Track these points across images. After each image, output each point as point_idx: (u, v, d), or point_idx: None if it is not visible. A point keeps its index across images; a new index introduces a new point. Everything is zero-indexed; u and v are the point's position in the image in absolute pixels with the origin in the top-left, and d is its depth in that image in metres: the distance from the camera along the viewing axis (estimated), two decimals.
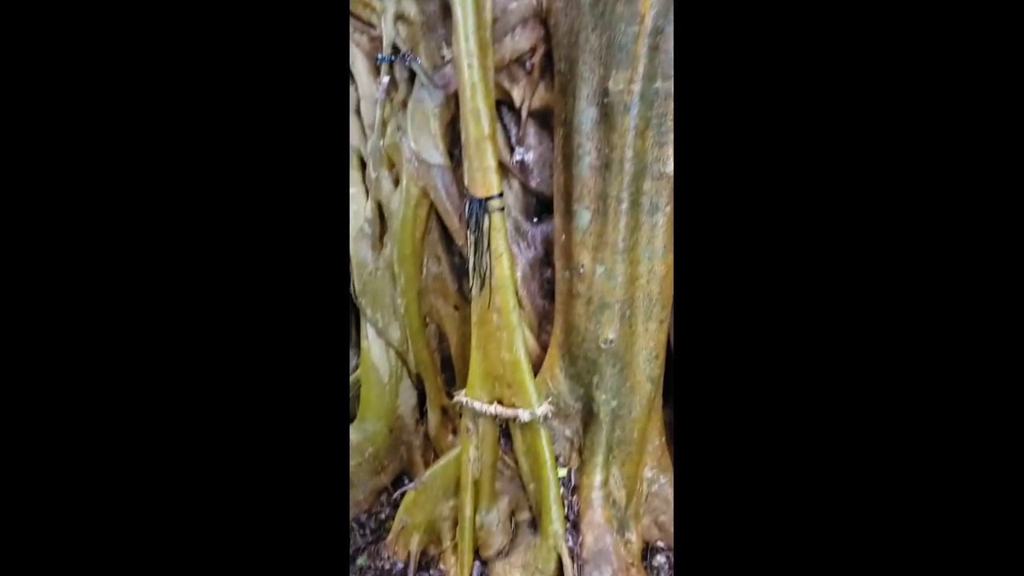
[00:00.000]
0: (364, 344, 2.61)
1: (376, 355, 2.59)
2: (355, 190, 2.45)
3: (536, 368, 2.16)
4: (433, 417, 2.73)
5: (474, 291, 2.04)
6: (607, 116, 1.81)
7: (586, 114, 1.84)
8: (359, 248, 2.47)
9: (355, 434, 2.66)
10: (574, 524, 2.01)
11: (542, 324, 2.35)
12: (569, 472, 2.15)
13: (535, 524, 2.14)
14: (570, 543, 1.95)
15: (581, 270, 1.96)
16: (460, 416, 2.40)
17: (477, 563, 2.17)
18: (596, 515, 1.98)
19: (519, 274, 2.27)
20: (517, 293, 2.04)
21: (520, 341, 1.99)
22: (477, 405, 2.09)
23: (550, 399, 2.07)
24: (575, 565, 1.90)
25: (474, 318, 2.08)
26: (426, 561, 2.34)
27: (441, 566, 2.30)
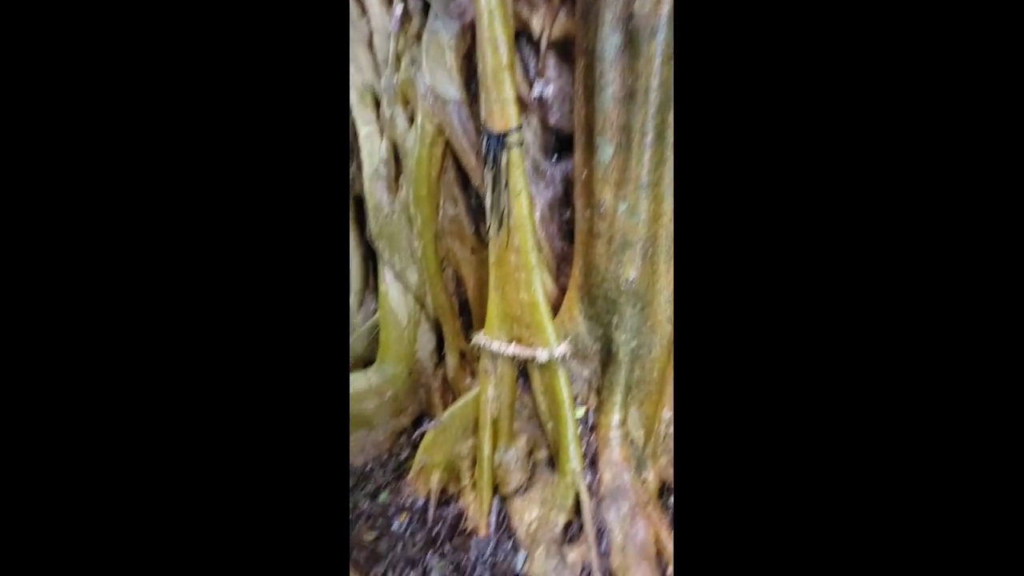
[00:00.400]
0: (382, 287, 2.60)
1: (394, 299, 2.59)
2: (369, 129, 2.39)
3: (554, 310, 2.14)
4: (451, 360, 2.75)
5: (491, 231, 2.00)
6: (632, 42, 1.71)
7: (609, 41, 1.74)
8: (374, 190, 2.43)
9: (375, 376, 2.70)
10: (592, 462, 2.03)
11: (560, 266, 2.31)
12: (587, 412, 2.15)
13: (553, 462, 2.17)
14: (588, 480, 1.97)
15: (602, 208, 1.91)
16: (478, 358, 2.41)
17: (496, 500, 2.22)
18: (614, 453, 1.99)
19: (537, 215, 2.22)
20: (535, 233, 2.00)
21: (538, 281, 1.97)
22: (495, 346, 2.09)
23: (568, 339, 2.05)
24: (593, 501, 1.93)
25: (492, 259, 2.05)
26: (446, 498, 2.39)
27: (460, 502, 2.36)
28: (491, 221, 1.97)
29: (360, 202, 2.68)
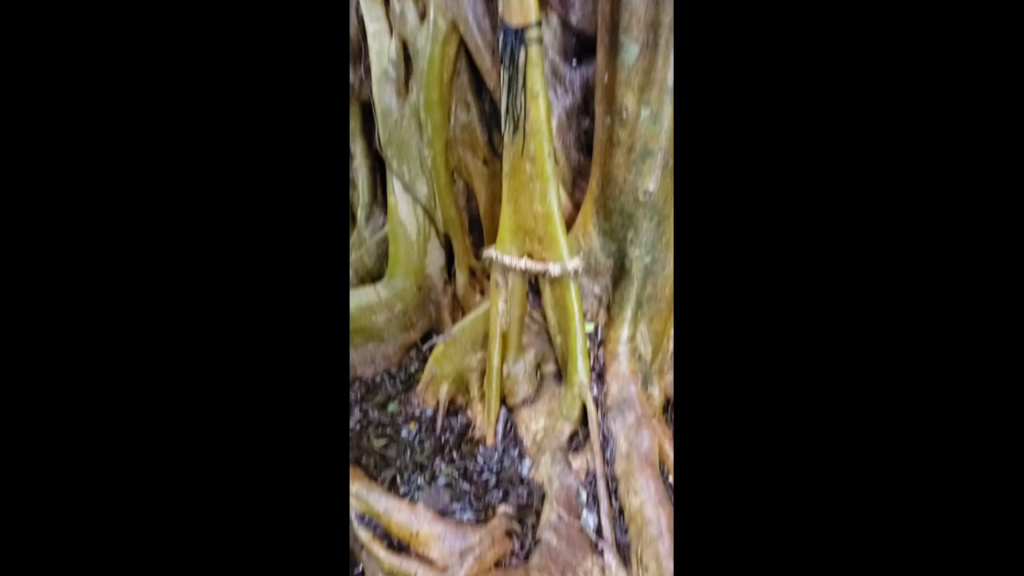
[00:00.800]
0: (391, 200, 2.54)
1: (403, 212, 2.53)
2: (377, 27, 2.25)
3: (568, 226, 2.09)
4: (461, 277, 2.73)
5: (506, 136, 1.91)
6: None
7: None
8: (383, 94, 2.32)
9: (384, 291, 2.69)
10: (599, 375, 2.04)
11: (576, 180, 2.24)
12: (596, 328, 2.14)
13: (560, 375, 2.19)
14: (595, 392, 1.99)
15: (624, 114, 1.81)
16: (488, 275, 2.38)
17: (503, 410, 2.26)
18: (622, 367, 2.00)
19: (554, 123, 2.12)
20: (552, 140, 1.91)
21: (553, 192, 1.90)
22: (507, 259, 2.05)
23: (581, 255, 2.01)
24: (599, 412, 1.95)
25: (505, 168, 1.97)
26: (454, 409, 2.44)
27: (468, 413, 2.41)
28: (506, 126, 1.88)
29: (368, 109, 2.57)
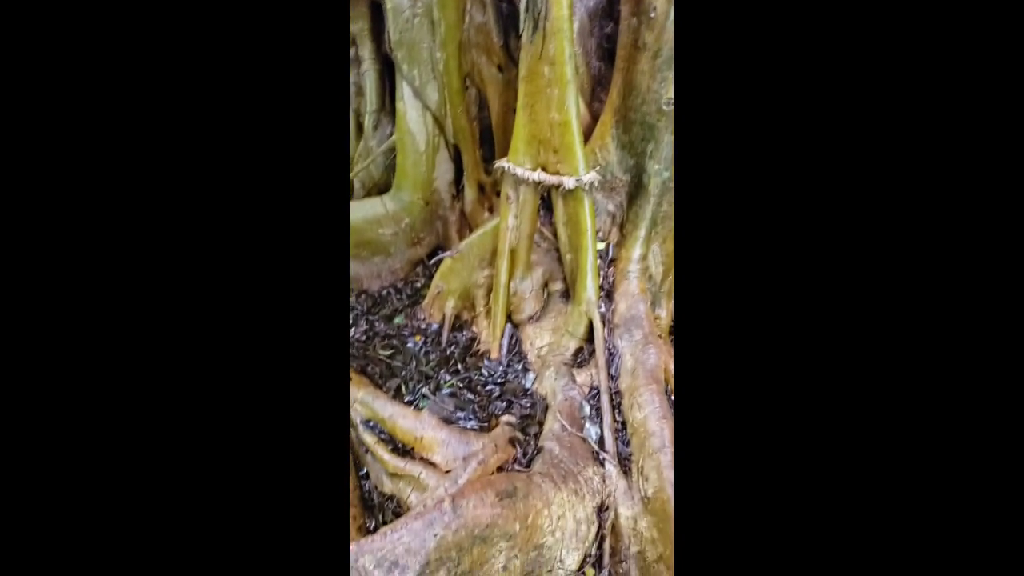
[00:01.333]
0: (400, 106, 2.43)
1: (412, 120, 2.43)
2: None
3: (585, 138, 2.00)
4: (470, 193, 2.67)
5: (524, 36, 1.79)
6: None
7: None
8: None
9: (391, 203, 2.63)
10: (608, 293, 2.02)
11: (595, 90, 2.12)
12: (607, 246, 2.10)
13: (567, 294, 2.17)
14: (602, 310, 1.98)
15: (652, 14, 1.68)
16: (498, 192, 2.31)
17: (509, 326, 2.26)
18: (631, 286, 1.97)
19: (575, 27, 1.98)
20: (573, 43, 1.79)
21: (572, 98, 1.80)
22: (519, 171, 1.98)
23: (597, 168, 1.94)
24: (606, 329, 1.94)
25: (522, 72, 1.86)
26: (459, 324, 2.44)
27: (474, 328, 2.41)
28: (524, 25, 1.76)
29: (377, 8, 2.41)
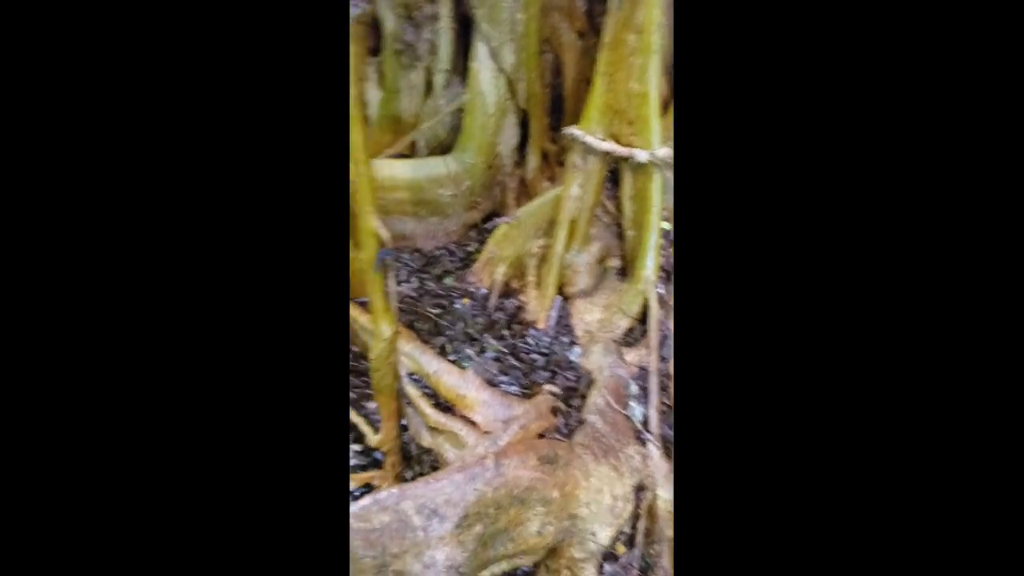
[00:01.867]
0: (474, 65, 2.40)
1: (485, 80, 2.39)
2: None
3: (663, 111, 1.93)
4: (533, 160, 2.63)
5: (613, 1, 1.73)
6: None
7: None
8: None
9: (453, 163, 2.61)
10: (667, 275, 1.97)
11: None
12: (673, 227, 2.05)
13: (624, 272, 2.13)
14: (660, 290, 1.93)
15: None
16: (561, 162, 2.27)
17: (559, 298, 2.24)
18: None
19: None
20: (664, 11, 1.72)
21: (656, 69, 1.74)
22: (590, 140, 1.93)
23: (672, 144, 1.87)
24: (662, 311, 1.90)
25: (605, 39, 1.81)
26: (508, 291, 2.44)
27: (522, 297, 2.40)
28: None
29: None
